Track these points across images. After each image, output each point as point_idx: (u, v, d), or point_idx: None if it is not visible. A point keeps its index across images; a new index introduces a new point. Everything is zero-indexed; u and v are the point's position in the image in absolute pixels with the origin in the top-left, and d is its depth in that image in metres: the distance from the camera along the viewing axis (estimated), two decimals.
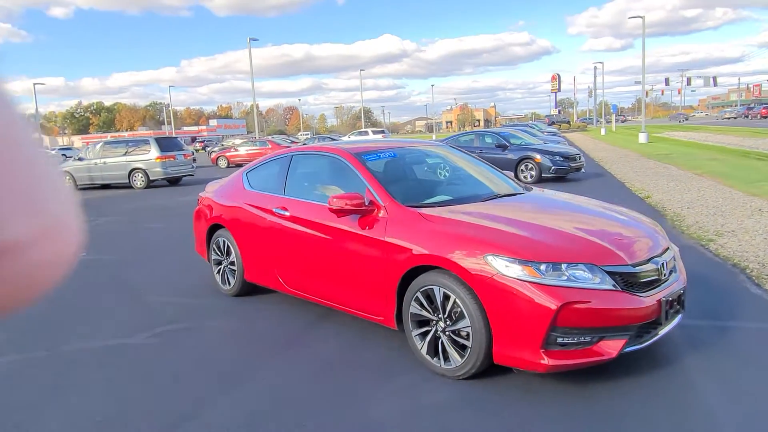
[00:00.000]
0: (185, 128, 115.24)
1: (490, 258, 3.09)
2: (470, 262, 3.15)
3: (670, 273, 3.44)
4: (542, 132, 29.07)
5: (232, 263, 5.15)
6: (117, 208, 13.39)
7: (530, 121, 58.08)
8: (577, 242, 3.24)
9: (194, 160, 21.32)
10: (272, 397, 3.28)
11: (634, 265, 3.17)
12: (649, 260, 3.28)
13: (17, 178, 0.34)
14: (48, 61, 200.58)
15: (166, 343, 4.23)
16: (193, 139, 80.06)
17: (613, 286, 3.06)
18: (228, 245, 5.18)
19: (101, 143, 19.48)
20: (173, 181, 18.65)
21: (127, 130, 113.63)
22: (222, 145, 35.35)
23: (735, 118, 73.91)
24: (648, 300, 3.12)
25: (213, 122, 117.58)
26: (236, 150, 27.10)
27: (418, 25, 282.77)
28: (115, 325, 4.67)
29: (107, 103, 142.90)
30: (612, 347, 3.03)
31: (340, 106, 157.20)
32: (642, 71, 31.78)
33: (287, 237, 4.45)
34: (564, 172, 13.67)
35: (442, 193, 4.21)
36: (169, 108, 67.80)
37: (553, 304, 2.91)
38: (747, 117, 71.00)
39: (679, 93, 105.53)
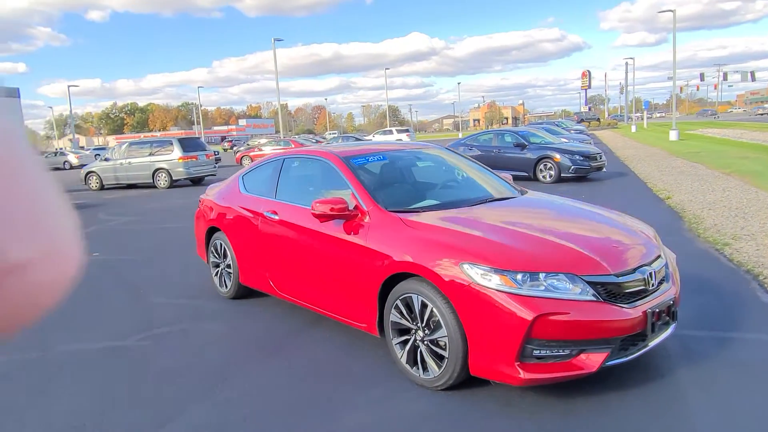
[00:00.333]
0: (215, 128, 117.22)
1: (465, 266, 3.00)
2: (446, 270, 3.07)
3: (660, 282, 3.29)
4: (568, 130, 28.54)
5: (229, 266, 5.17)
6: (137, 207, 13.64)
7: (558, 119, 57.10)
8: (558, 250, 3.12)
9: (218, 159, 21.64)
10: (249, 403, 3.26)
11: (617, 275, 3.03)
12: (635, 269, 3.14)
13: (19, 203, 0.35)
14: (85, 63, 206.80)
15: (157, 345, 4.26)
16: (223, 139, 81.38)
17: (595, 296, 2.94)
18: (225, 248, 5.20)
19: (126, 144, 19.90)
20: (196, 181, 18.93)
21: (159, 130, 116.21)
22: (247, 144, 35.76)
23: None
24: (632, 311, 2.99)
25: (242, 122, 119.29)
26: (260, 150, 27.37)
27: (446, 23, 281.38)
28: (111, 326, 4.73)
29: (141, 103, 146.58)
30: (593, 361, 2.91)
31: (367, 105, 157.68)
32: (673, 66, 30.90)
33: (277, 241, 4.44)
34: (584, 172, 13.36)
35: (432, 198, 4.13)
36: (199, 108, 68.82)
37: (527, 315, 2.81)
38: None
39: (715, 88, 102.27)
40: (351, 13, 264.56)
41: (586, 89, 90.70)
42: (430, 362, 3.23)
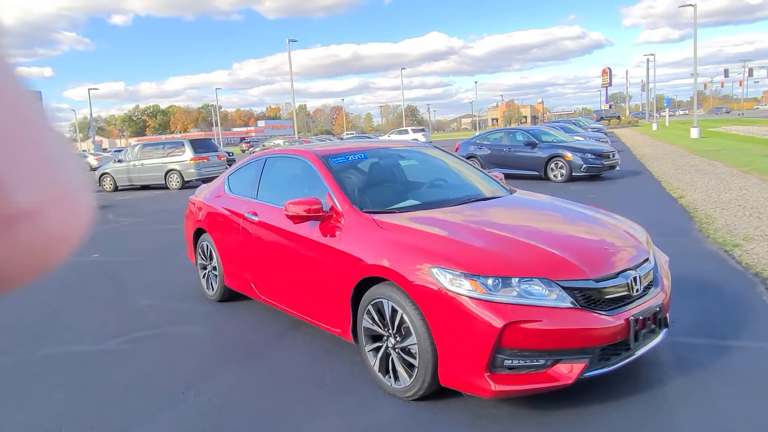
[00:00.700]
0: (235, 129, 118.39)
1: (435, 270, 2.84)
2: (414, 275, 2.91)
3: (647, 288, 3.09)
4: (585, 128, 28.05)
5: (215, 268, 5.08)
6: (147, 208, 13.70)
7: (577, 117, 56.24)
8: (534, 254, 2.94)
9: (232, 161, 21.67)
10: (214, 412, 3.14)
11: (597, 280, 2.84)
12: (618, 274, 2.94)
13: (29, 143, 0.34)
14: (109, 67, 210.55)
15: (135, 350, 4.17)
16: (242, 140, 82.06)
17: (572, 303, 2.75)
18: (211, 250, 5.10)
19: (139, 146, 20.06)
20: (207, 182, 18.96)
21: (180, 132, 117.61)
22: (263, 145, 35.91)
23: None
24: (613, 319, 2.79)
25: (261, 123, 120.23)
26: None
27: (465, 22, 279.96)
28: (94, 329, 4.67)
29: (163, 106, 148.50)
30: (569, 371, 2.73)
31: (386, 105, 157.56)
32: (694, 63, 30.14)
33: (257, 243, 4.32)
34: (596, 171, 13.03)
35: (414, 198, 3.96)
36: (217, 110, 69.47)
37: (497, 323, 2.64)
38: None
39: (740, 85, 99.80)
40: (370, 14, 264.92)
41: (606, 87, 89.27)
42: (402, 371, 3.07)
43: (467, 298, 2.72)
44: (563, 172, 13.14)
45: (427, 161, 4.73)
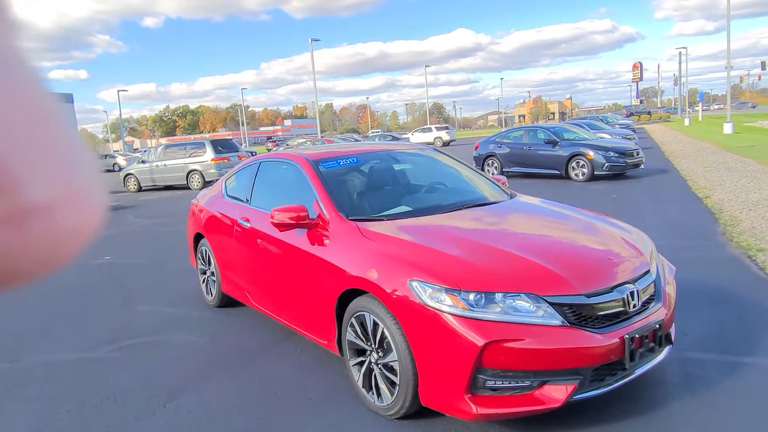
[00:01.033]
0: (262, 128, 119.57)
1: (414, 284, 2.68)
2: (393, 287, 2.76)
3: (647, 302, 2.86)
4: (612, 125, 27.38)
5: (213, 273, 5.00)
6: (168, 209, 13.81)
7: (606, 113, 54.97)
8: (521, 266, 2.75)
9: None
10: (191, 427, 3.04)
11: (588, 295, 2.63)
12: (613, 288, 2.72)
13: (45, 140, 0.34)
14: (141, 68, 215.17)
15: (123, 358, 4.12)
16: (268, 138, 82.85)
17: (561, 320, 2.56)
18: (209, 255, 5.03)
19: (162, 146, 20.31)
20: None
21: (209, 132, 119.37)
22: (287, 144, 36.06)
23: None
24: (605, 337, 2.59)
25: (287, 122, 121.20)
26: None
27: (492, 18, 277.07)
28: (87, 335, 4.64)
29: (192, 106, 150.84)
30: (558, 393, 2.53)
31: (411, 102, 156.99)
32: (727, 55, 29.05)
33: (249, 250, 4.22)
34: (619, 169, 12.61)
35: (406, 203, 3.79)
36: (243, 110, 70.22)
37: (477, 341, 2.46)
38: None
39: None
40: (396, 11, 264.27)
41: (637, 82, 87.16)
42: (384, 388, 2.92)
43: (447, 314, 2.55)
44: (585, 171, 12.76)
45: (425, 165, 4.55)
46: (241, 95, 64.98)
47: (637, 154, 12.90)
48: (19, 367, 4.07)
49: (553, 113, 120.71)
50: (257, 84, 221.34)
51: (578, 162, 12.90)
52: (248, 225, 4.20)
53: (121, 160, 39.68)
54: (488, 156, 15.14)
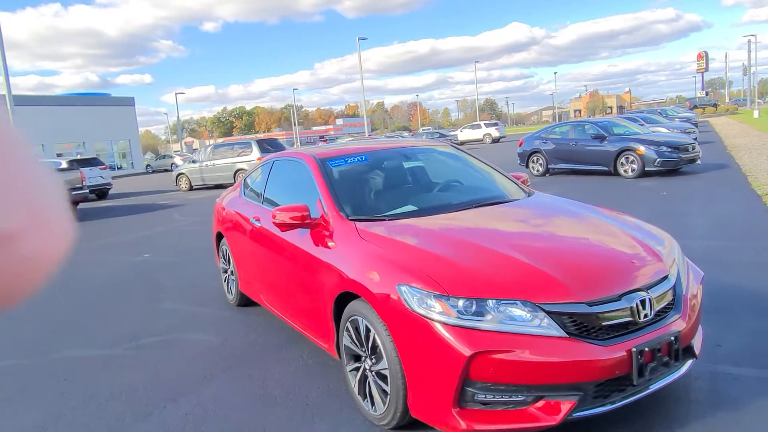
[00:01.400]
0: (315, 128, 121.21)
1: (403, 289, 2.53)
2: (383, 292, 2.62)
3: (663, 311, 2.60)
4: (672, 118, 26.02)
5: (233, 273, 5.01)
6: (208, 208, 14.04)
7: (668, 106, 52.40)
8: (518, 271, 2.55)
9: None
10: (190, 426, 3.01)
11: (590, 303, 2.40)
12: (621, 296, 2.48)
13: (4, 171, 0.35)
14: (201, 71, 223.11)
15: (138, 356, 4.16)
16: (321, 137, 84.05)
17: (559, 330, 2.34)
18: (228, 254, 5.04)
19: (211, 146, 20.87)
20: None
21: (264, 132, 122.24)
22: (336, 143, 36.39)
23: None
24: (609, 350, 2.35)
25: (339, 121, 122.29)
26: None
27: (547, 10, 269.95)
28: (110, 332, 4.73)
29: (248, 107, 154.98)
30: (555, 410, 2.33)
31: (463, 99, 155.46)
32: None
33: (259, 249, 4.18)
34: (673, 165, 11.90)
35: (413, 203, 3.63)
36: (295, 110, 71.49)
37: (464, 351, 2.29)
38: None
39: None
40: (447, 8, 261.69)
41: (702, 72, 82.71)
42: (377, 396, 2.79)
43: (435, 322, 2.39)
44: (635, 167, 12.12)
45: (439, 162, 4.37)
46: (293, 96, 66.10)
47: (693, 149, 12.14)
48: (41, 362, 4.19)
49: (611, 107, 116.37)
50: (311, 84, 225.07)
51: (627, 158, 12.27)
52: (258, 224, 4.16)
53: (178, 160, 41.17)
54: (533, 152, 14.67)
